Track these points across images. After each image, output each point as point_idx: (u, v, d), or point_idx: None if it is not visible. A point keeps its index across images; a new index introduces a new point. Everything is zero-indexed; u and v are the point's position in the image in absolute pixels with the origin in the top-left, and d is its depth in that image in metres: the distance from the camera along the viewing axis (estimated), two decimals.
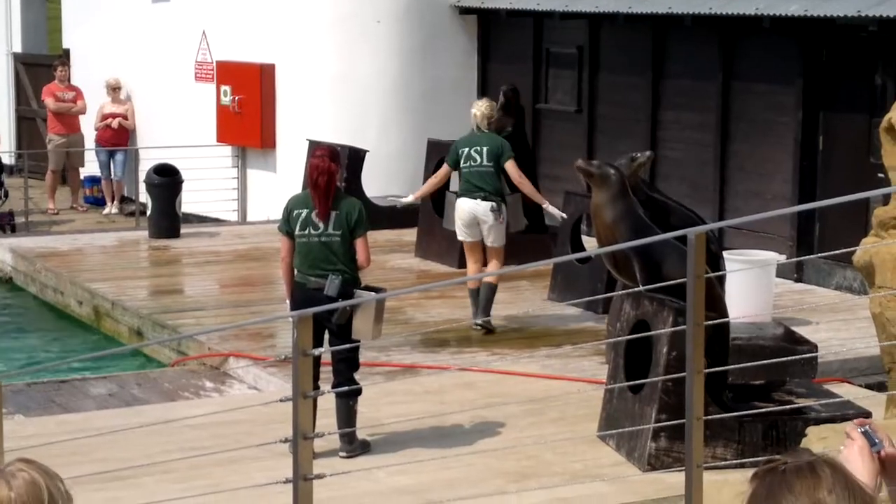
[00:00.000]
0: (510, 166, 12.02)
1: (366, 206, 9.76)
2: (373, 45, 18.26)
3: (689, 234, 6.53)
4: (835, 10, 13.49)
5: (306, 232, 9.27)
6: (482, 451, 9.06)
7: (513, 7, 17.88)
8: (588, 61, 17.31)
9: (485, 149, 12.01)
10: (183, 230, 17.22)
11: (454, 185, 12.98)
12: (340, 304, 8.95)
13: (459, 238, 12.47)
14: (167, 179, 17.14)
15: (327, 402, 9.11)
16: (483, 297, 12.31)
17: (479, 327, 12.35)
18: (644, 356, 9.02)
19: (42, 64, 23.10)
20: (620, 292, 9.39)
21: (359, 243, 9.32)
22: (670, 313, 8.80)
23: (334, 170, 9.29)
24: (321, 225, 9.23)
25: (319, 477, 6.88)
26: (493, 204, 12.00)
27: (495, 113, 12.55)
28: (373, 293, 9.37)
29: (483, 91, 18.47)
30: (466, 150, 12.10)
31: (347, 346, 8.99)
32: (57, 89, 20.59)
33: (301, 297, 9.20)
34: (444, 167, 12.49)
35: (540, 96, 18.04)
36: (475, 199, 12.06)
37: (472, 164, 12.06)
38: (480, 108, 12.28)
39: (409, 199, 13.45)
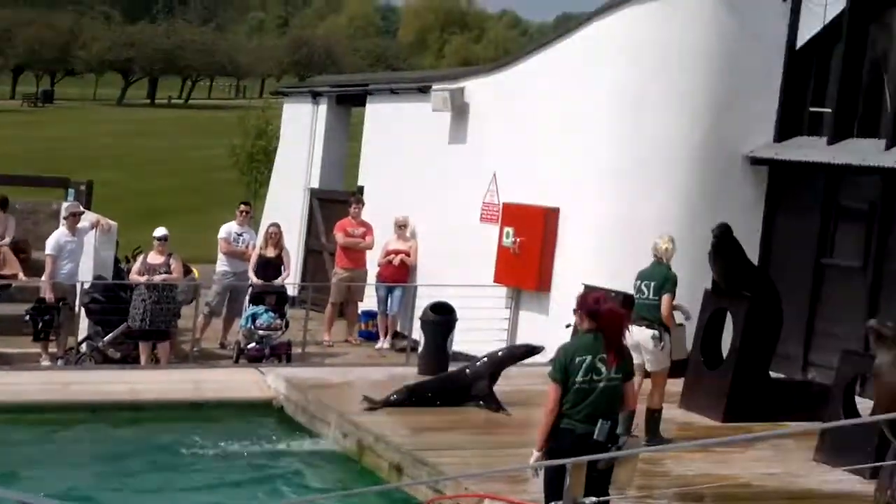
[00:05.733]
0: (665, 299, 13.33)
1: None
2: (661, 192, 18.08)
3: None
4: None
5: (588, 378, 9.24)
6: None
7: (806, 160, 17.53)
8: (880, 217, 16.75)
9: (653, 283, 13.44)
10: (451, 368, 17.20)
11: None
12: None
13: None
14: (442, 317, 17.21)
15: None
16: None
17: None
18: None
19: (336, 200, 23.72)
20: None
21: (630, 386, 9.38)
22: None
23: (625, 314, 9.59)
24: (604, 370, 9.20)
25: None
26: (655, 332, 13.32)
27: (672, 247, 13.73)
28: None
29: (767, 242, 18.12)
30: (639, 283, 13.58)
31: (609, 497, 9.05)
32: (349, 225, 21.09)
33: (568, 443, 9.10)
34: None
35: (825, 251, 17.53)
36: (640, 326, 13.31)
37: (641, 296, 13.51)
38: (665, 241, 13.73)
39: None
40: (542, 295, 18.78)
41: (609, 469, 9.12)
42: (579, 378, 9.19)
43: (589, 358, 9.22)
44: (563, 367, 9.29)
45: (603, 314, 9.39)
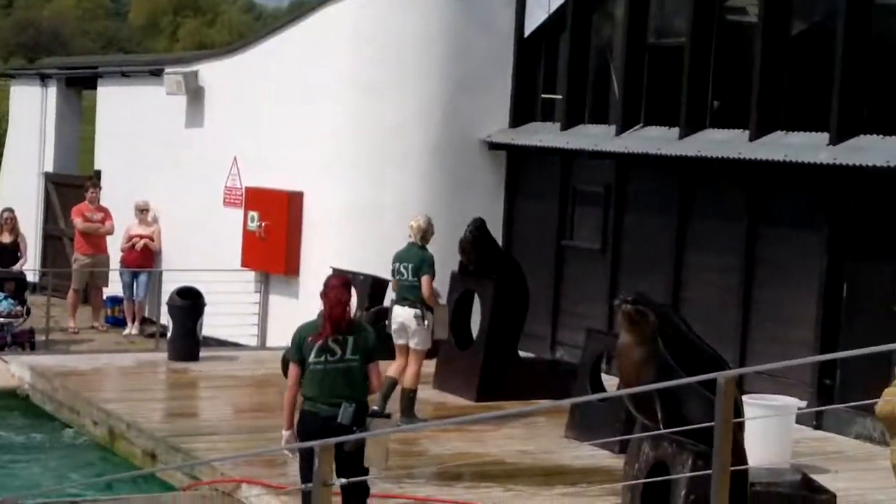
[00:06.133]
0: (424, 280, 13.62)
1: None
2: (402, 177, 18.32)
3: (719, 379, 6.47)
4: (864, 159, 13.47)
5: (322, 359, 9.24)
6: None
7: (542, 145, 17.98)
8: (615, 201, 17.31)
9: (410, 265, 13.72)
10: (202, 353, 17.16)
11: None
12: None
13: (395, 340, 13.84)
14: (189, 302, 17.12)
15: None
16: (389, 392, 13.40)
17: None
18: (661, 499, 8.86)
19: (72, 184, 23.27)
20: (641, 434, 9.27)
21: (374, 369, 9.37)
22: (690, 456, 8.68)
23: (347, 299, 9.43)
24: (338, 351, 9.23)
25: None
26: (418, 311, 13.62)
27: (430, 228, 13.95)
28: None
29: (509, 225, 18.55)
30: (397, 265, 13.84)
31: (363, 478, 9.01)
32: (86, 210, 20.70)
33: (314, 426, 9.13)
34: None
35: (565, 233, 18.04)
36: (403, 306, 13.69)
37: (401, 277, 13.82)
38: (418, 221, 13.90)
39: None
40: (291, 279, 18.82)
41: (359, 450, 9.17)
42: (312, 359, 9.22)
43: (322, 339, 9.24)
44: (298, 347, 9.34)
45: (326, 297, 9.42)
